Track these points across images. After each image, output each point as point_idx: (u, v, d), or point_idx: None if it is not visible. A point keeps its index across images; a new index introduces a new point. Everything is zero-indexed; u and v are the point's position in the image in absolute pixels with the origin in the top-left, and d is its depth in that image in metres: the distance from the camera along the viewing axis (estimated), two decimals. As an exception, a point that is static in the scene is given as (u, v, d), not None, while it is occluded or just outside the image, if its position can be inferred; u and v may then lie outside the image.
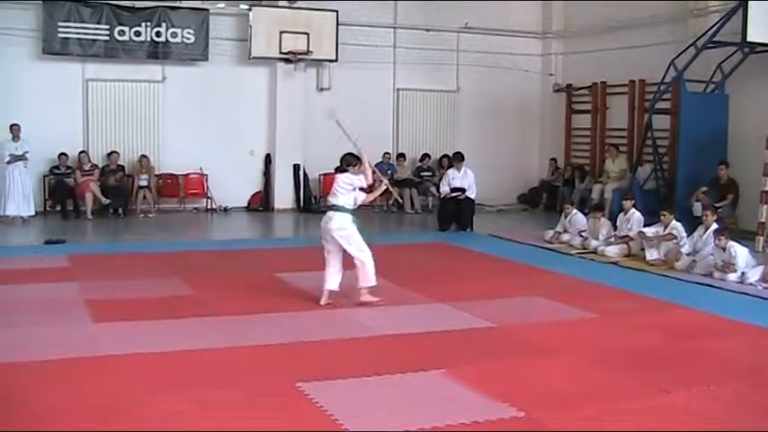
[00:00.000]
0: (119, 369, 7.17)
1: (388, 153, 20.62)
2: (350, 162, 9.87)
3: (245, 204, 19.87)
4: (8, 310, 9.28)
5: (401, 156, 20.75)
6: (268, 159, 20.07)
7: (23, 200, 17.03)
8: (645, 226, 13.70)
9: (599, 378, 7.21)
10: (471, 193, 16.35)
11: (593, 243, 14.22)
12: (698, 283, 11.70)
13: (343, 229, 9.67)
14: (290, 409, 6.22)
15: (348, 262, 9.86)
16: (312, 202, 19.95)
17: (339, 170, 10.16)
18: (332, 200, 9.83)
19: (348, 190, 9.72)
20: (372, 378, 6.98)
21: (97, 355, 7.59)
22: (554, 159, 21.89)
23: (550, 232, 15.30)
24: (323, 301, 9.72)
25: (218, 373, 7.17)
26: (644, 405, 6.50)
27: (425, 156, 20.94)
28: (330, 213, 9.73)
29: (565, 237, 14.97)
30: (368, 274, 9.73)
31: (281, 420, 5.99)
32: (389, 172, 20.26)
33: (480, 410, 6.22)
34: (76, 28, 18.08)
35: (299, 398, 6.42)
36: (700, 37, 16.30)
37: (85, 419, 5.95)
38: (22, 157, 16.95)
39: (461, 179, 16.36)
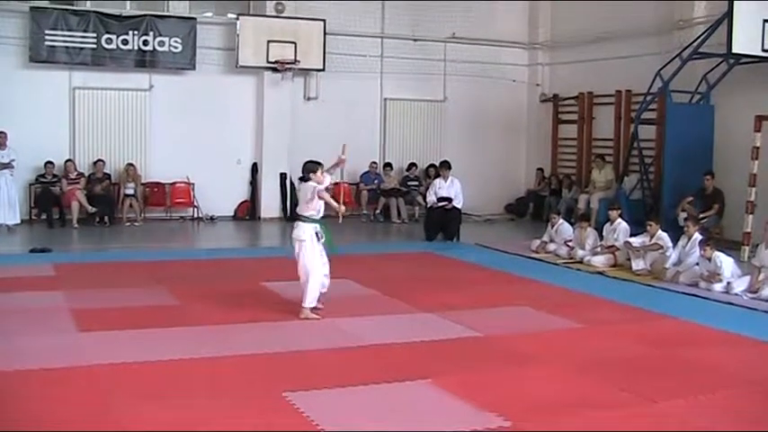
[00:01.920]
0: (104, 378, 7.14)
1: (375, 162, 20.66)
2: (312, 169, 9.78)
3: (232, 213, 19.85)
4: (-7, 319, 9.23)
5: (388, 165, 20.76)
6: (255, 168, 20.06)
7: (9, 208, 16.95)
8: (631, 236, 13.76)
9: (585, 388, 7.21)
10: (458, 203, 16.37)
11: (580, 253, 14.26)
12: (684, 293, 11.76)
13: (300, 239, 9.69)
14: (277, 419, 6.21)
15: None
16: (299, 211, 19.89)
17: (302, 179, 10.05)
18: (298, 209, 9.88)
19: (311, 198, 9.67)
20: (358, 387, 6.97)
21: (82, 364, 7.55)
22: (540, 169, 21.94)
23: (537, 242, 15.33)
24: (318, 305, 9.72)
25: (204, 382, 7.14)
26: (631, 414, 6.53)
27: (412, 165, 20.96)
28: (299, 222, 9.79)
29: (551, 246, 15.00)
30: (308, 295, 9.59)
31: (267, 429, 5.98)
32: (376, 181, 20.33)
33: (467, 420, 6.23)
34: (64, 36, 18.07)
35: (286, 407, 6.41)
36: (685, 48, 16.39)
37: (70, 428, 5.92)
38: (8, 165, 16.90)
39: (448, 189, 16.37)
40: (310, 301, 9.59)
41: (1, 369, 7.30)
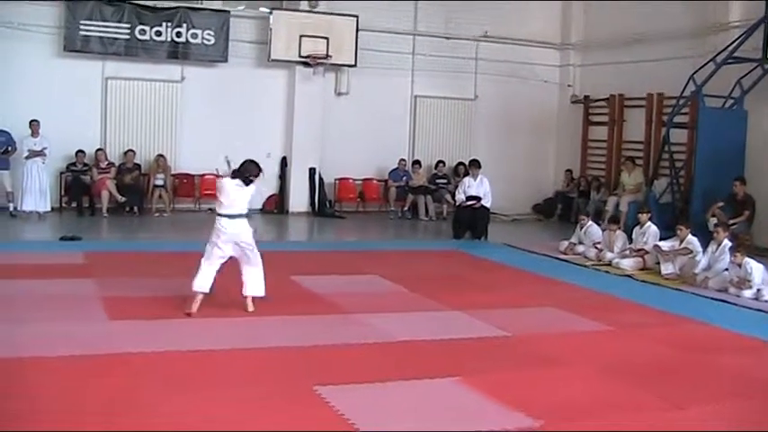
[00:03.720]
0: (134, 367, 7.19)
1: (403, 160, 20.67)
2: (257, 173, 9.53)
3: (260, 207, 19.88)
4: (24, 306, 9.30)
5: (417, 162, 20.76)
6: (284, 162, 20.12)
7: (40, 195, 17.11)
8: (660, 240, 13.69)
9: (614, 390, 7.19)
10: (487, 202, 16.33)
11: (608, 255, 14.21)
12: (713, 299, 11.67)
13: (251, 239, 9.57)
14: (308, 413, 6.23)
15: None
16: (327, 206, 19.98)
17: (244, 179, 9.45)
18: (238, 209, 9.43)
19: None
20: (388, 383, 6.99)
21: (113, 352, 7.61)
22: (569, 170, 21.87)
23: (565, 243, 15.26)
24: (195, 308, 9.28)
25: (234, 374, 7.20)
26: (658, 419, 6.52)
27: (440, 163, 20.94)
28: (241, 222, 9.44)
29: (580, 248, 14.94)
30: (261, 283, 9.56)
31: (298, 423, 6.01)
32: (404, 178, 20.33)
33: (497, 420, 6.23)
34: (98, 26, 18.17)
35: (316, 401, 6.44)
36: (720, 52, 16.29)
37: (100, 416, 5.96)
38: (40, 153, 17.05)
39: (477, 187, 16.33)
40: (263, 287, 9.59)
41: (32, 355, 7.37)
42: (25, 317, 8.81)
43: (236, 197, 9.37)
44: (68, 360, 7.28)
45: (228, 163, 9.95)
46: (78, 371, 7.00)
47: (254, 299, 9.54)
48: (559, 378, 7.49)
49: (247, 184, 9.41)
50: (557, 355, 8.29)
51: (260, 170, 9.54)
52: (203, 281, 9.31)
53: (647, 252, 13.81)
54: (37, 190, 17.06)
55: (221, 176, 9.83)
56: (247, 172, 9.40)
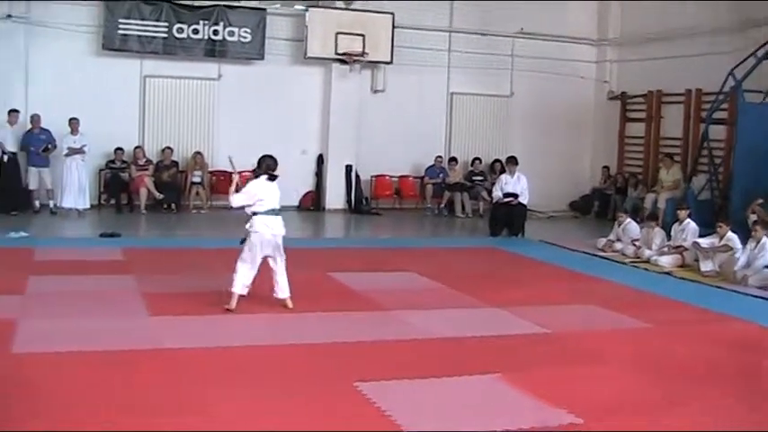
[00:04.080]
0: (175, 362, 7.26)
1: (440, 156, 20.67)
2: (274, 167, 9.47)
3: (297, 204, 19.96)
4: (66, 301, 9.41)
5: (453, 159, 20.73)
6: (320, 159, 20.18)
7: (79, 193, 17.29)
8: (699, 237, 13.58)
9: (654, 388, 7.12)
10: (524, 199, 16.28)
11: (647, 252, 14.11)
12: (753, 296, 11.56)
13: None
14: (349, 409, 6.25)
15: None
16: (363, 203, 20.03)
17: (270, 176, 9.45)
18: (276, 205, 9.42)
19: None
20: (428, 380, 6.99)
21: (154, 347, 7.69)
22: (606, 167, 21.75)
23: (603, 240, 15.18)
24: (234, 305, 9.25)
25: (274, 370, 7.22)
26: (699, 417, 6.46)
27: (476, 160, 20.91)
28: (279, 219, 9.43)
29: (618, 245, 14.85)
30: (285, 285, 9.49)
31: (340, 419, 6.03)
32: (441, 175, 20.32)
33: (539, 416, 6.21)
34: (136, 25, 18.32)
35: (358, 397, 6.45)
36: (760, 47, 16.13)
37: (144, 413, 6.02)
38: (80, 151, 17.22)
39: (514, 184, 16.29)
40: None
41: (74, 350, 7.44)
42: (67, 312, 8.92)
43: (271, 193, 9.35)
44: (111, 355, 7.35)
45: (232, 163, 9.96)
46: (121, 366, 7.06)
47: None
48: (600, 375, 7.46)
49: (273, 180, 9.38)
50: (597, 352, 8.26)
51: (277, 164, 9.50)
52: (243, 283, 9.31)
53: (686, 249, 13.71)
54: (76, 187, 17.24)
55: (233, 173, 9.79)
56: (271, 168, 9.40)
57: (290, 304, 9.45)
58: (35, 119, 17.23)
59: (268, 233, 9.28)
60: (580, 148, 22.57)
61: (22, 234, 14.04)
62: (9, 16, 17.39)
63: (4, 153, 16.85)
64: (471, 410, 6.34)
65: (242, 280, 9.27)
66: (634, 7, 21.39)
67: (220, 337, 8.19)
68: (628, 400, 6.76)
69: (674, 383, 7.26)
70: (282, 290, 9.45)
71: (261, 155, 9.57)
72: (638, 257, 14.20)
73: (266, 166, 9.39)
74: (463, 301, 10.43)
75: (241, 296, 9.31)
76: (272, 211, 9.32)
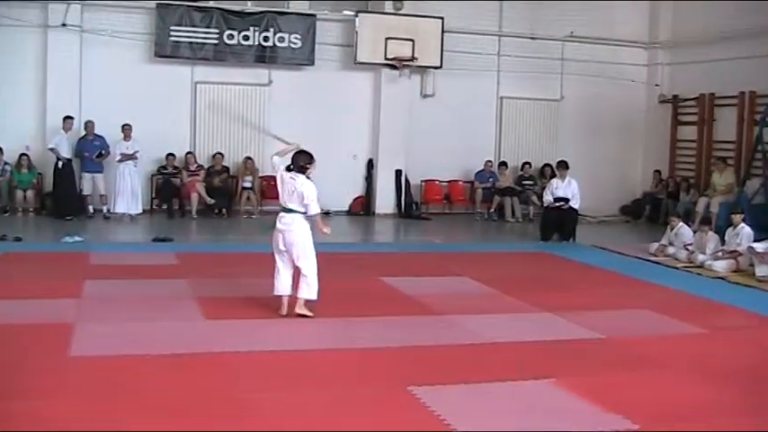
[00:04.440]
0: (231, 366, 7.32)
1: (490, 161, 20.62)
2: (309, 162, 9.29)
3: (347, 208, 20.03)
4: (121, 305, 9.51)
5: (503, 164, 20.68)
6: (370, 164, 20.24)
7: (132, 198, 17.56)
8: (754, 241, 13.40)
9: (710, 394, 7.06)
10: (575, 203, 16.16)
11: (700, 257, 13.95)
12: (810, 302, 11.40)
13: (307, 233, 9.27)
14: (403, 413, 6.26)
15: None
16: (413, 207, 20.04)
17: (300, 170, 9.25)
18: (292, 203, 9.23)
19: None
20: (483, 384, 6.97)
21: (211, 351, 7.75)
22: (658, 171, 21.54)
23: (655, 245, 15.03)
24: (285, 310, 9.22)
25: (329, 373, 7.25)
26: (755, 425, 6.39)
27: (526, 164, 20.83)
28: (289, 216, 9.23)
29: (670, 250, 14.70)
30: (311, 287, 9.17)
31: (394, 423, 6.04)
32: (491, 180, 20.28)
33: (594, 421, 6.17)
34: (187, 32, 18.52)
35: (412, 402, 6.45)
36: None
37: (200, 415, 6.08)
38: (132, 157, 17.47)
39: (565, 189, 16.19)
40: (313, 292, 9.19)
41: (132, 353, 7.52)
42: (123, 316, 9.03)
43: (287, 189, 9.27)
44: (166, 359, 7.42)
45: (280, 138, 10.10)
46: (176, 369, 7.14)
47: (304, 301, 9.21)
48: (655, 381, 7.38)
49: (301, 173, 9.22)
50: (651, 357, 8.18)
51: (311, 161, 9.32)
52: (278, 283, 9.33)
53: (740, 254, 13.52)
54: (129, 192, 17.51)
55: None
56: (300, 163, 9.23)
57: (296, 308, 9.15)
58: (89, 125, 17.49)
59: (278, 227, 9.28)
60: (631, 152, 22.38)
61: (77, 239, 14.24)
62: (64, 25, 17.66)
63: (59, 159, 17.09)
64: (526, 415, 6.31)
65: (275, 279, 9.29)
66: (686, 9, 21.16)
67: (274, 340, 8.26)
68: (684, 407, 6.70)
69: (731, 390, 7.18)
70: (303, 289, 9.18)
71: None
72: (692, 262, 14.04)
73: (296, 161, 9.28)
74: (516, 305, 10.39)
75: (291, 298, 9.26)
76: (283, 208, 9.29)
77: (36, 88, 17.92)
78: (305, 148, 9.43)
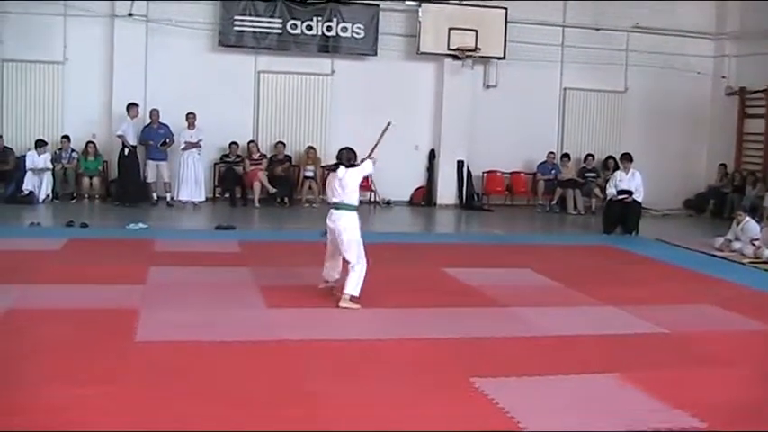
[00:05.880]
0: (295, 354, 7.35)
1: (552, 153, 20.49)
2: (352, 158, 9.63)
3: (408, 199, 20.04)
4: (186, 292, 9.62)
5: (566, 156, 20.54)
6: (432, 155, 20.21)
7: (195, 186, 17.77)
8: (824, 237, 13.17)
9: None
10: (639, 196, 15.99)
11: (767, 253, 13.73)
12: None
13: (354, 228, 9.42)
14: (467, 404, 6.24)
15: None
16: (474, 199, 20.00)
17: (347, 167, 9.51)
18: (337, 198, 9.43)
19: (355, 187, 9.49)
20: (546, 377, 6.92)
21: (274, 338, 7.81)
22: (723, 165, 21.22)
23: (720, 240, 14.81)
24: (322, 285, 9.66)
25: (391, 363, 7.25)
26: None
27: (589, 156, 20.65)
28: (337, 213, 9.40)
29: (736, 245, 14.47)
30: (355, 282, 9.22)
31: (458, 414, 6.02)
32: (553, 172, 20.14)
33: (660, 418, 6.08)
34: (251, 22, 18.66)
35: (475, 394, 6.42)
36: None
37: (266, 403, 6.12)
38: (196, 145, 17.66)
39: (629, 181, 16.02)
40: (357, 287, 9.24)
41: (193, 339, 7.61)
42: (187, 302, 9.12)
43: (333, 185, 9.51)
44: (229, 345, 7.49)
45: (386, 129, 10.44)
46: (238, 357, 7.19)
47: (349, 296, 9.26)
48: (722, 378, 7.27)
49: (349, 168, 9.47)
50: (718, 353, 8.07)
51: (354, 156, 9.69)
52: (324, 271, 9.60)
53: (809, 249, 13.31)
54: (192, 181, 17.72)
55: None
56: (344, 159, 9.55)
57: (341, 302, 9.19)
58: (154, 114, 17.72)
59: (327, 223, 9.47)
60: (696, 144, 22.08)
61: (141, 226, 14.44)
62: (130, 15, 17.92)
63: (125, 147, 17.32)
64: (589, 410, 6.25)
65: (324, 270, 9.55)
66: (754, -1, 20.80)
67: (336, 329, 8.30)
68: (753, 405, 6.58)
69: (801, 389, 7.06)
70: (348, 284, 9.26)
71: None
72: (758, 257, 13.80)
73: (340, 157, 9.54)
74: (579, 298, 10.30)
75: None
76: (331, 204, 9.49)
77: (103, 78, 18.20)
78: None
